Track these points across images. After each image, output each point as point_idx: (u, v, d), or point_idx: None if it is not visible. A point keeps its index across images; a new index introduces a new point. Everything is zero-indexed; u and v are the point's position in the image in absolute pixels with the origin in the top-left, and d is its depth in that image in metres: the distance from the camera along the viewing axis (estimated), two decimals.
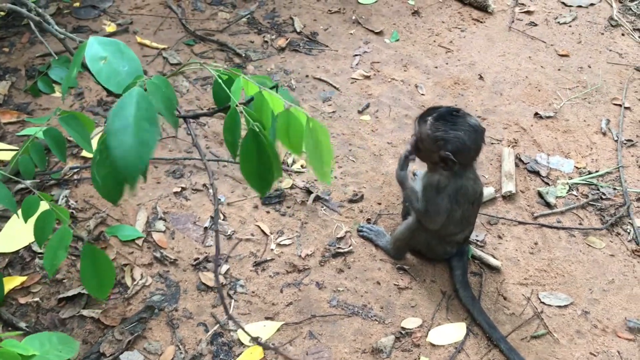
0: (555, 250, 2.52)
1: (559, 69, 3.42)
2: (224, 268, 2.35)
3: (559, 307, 2.33)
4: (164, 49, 3.32)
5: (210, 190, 2.63)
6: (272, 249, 2.43)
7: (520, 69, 3.40)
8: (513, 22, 3.75)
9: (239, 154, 1.16)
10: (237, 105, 1.14)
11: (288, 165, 2.76)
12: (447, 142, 2.06)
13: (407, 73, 3.31)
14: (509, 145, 2.93)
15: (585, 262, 2.49)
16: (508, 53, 3.51)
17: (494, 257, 2.46)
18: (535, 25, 3.75)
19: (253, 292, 2.29)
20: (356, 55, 3.41)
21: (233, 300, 2.26)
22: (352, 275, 2.37)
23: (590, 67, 3.46)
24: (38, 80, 2.92)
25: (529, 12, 3.85)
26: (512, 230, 2.58)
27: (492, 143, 2.94)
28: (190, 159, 2.74)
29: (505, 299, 2.34)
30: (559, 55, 3.53)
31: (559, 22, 3.78)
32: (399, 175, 2.30)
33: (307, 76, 3.24)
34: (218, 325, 2.18)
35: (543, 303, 2.34)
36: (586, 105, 3.21)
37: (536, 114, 3.12)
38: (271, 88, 1.21)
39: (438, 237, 2.30)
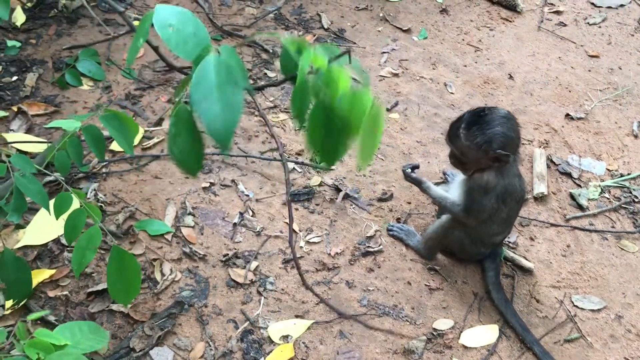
0: (588, 253, 2.48)
1: (589, 70, 3.38)
2: (253, 265, 2.33)
3: (592, 310, 2.29)
4: None
5: (239, 186, 2.61)
6: (301, 247, 2.41)
7: (550, 69, 3.36)
8: (542, 21, 3.71)
9: (305, 125, 1.14)
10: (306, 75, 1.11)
11: (316, 163, 2.74)
12: (492, 142, 2.02)
13: (435, 71, 3.28)
14: (540, 146, 2.89)
15: (618, 266, 2.45)
16: (538, 53, 3.47)
17: (526, 259, 2.42)
18: (565, 25, 3.70)
19: (283, 289, 2.27)
20: (384, 52, 3.38)
21: (263, 298, 2.24)
22: (383, 274, 2.34)
23: (620, 68, 3.41)
24: (66, 73, 2.92)
25: (558, 12, 3.80)
26: (544, 232, 2.55)
27: (523, 144, 2.90)
28: (219, 154, 2.72)
29: (537, 301, 2.31)
30: (589, 56, 3.49)
31: (588, 23, 3.73)
32: (409, 178, 2.33)
33: None
34: (248, 322, 2.15)
35: (576, 306, 2.30)
36: (617, 107, 3.16)
37: (567, 115, 3.08)
38: (339, 56, 1.18)
39: (473, 237, 2.27)
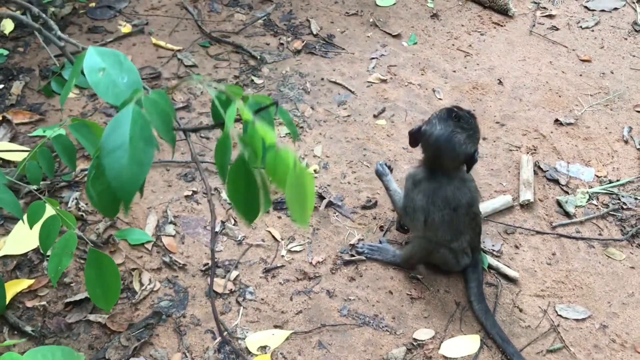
0: (574, 261, 2.46)
1: (580, 75, 3.35)
2: (233, 274, 2.32)
3: (577, 320, 2.27)
4: (179, 50, 3.30)
5: (222, 194, 2.59)
6: (282, 255, 2.39)
7: (541, 74, 3.33)
8: (534, 26, 3.68)
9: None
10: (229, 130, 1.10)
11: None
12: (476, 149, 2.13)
13: (424, 77, 3.26)
14: (527, 153, 2.87)
15: (604, 274, 2.42)
16: (528, 58, 3.44)
17: (511, 268, 2.40)
18: (557, 29, 3.67)
19: (262, 299, 2.25)
20: (373, 58, 3.36)
21: (242, 308, 2.22)
22: (364, 283, 2.32)
23: (612, 72, 3.38)
24: (52, 81, 2.91)
25: (550, 16, 3.77)
26: (529, 240, 2.52)
27: (511, 150, 2.88)
28: (203, 162, 2.70)
29: (521, 311, 2.28)
30: (581, 60, 3.45)
31: (581, 27, 3.70)
32: (377, 171, 2.41)
33: (322, 79, 3.20)
34: (226, 332, 2.14)
35: (560, 316, 2.27)
36: (608, 112, 3.13)
37: (556, 120, 3.05)
38: (266, 107, 1.18)
39: (450, 250, 2.25)
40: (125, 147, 1.06)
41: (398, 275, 2.35)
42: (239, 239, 2.43)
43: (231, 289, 2.27)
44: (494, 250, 2.46)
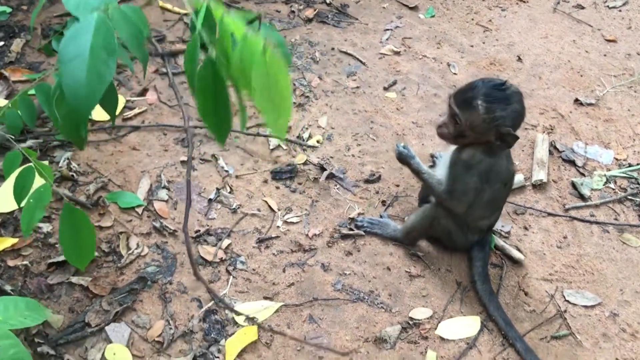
0: (586, 245, 2.33)
1: (604, 55, 3.21)
2: (225, 242, 2.23)
3: (585, 307, 2.15)
4: (185, 14, 3.20)
5: (219, 161, 2.50)
6: (278, 226, 2.30)
7: (563, 53, 3.19)
8: (558, 3, 3.54)
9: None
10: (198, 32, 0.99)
11: (303, 140, 2.62)
12: (507, 119, 1.89)
13: (440, 51, 3.14)
14: (544, 132, 2.74)
15: (618, 261, 2.29)
16: (551, 35, 3.30)
17: (518, 249, 2.28)
18: (583, 8, 3.53)
19: (254, 269, 2.16)
20: (387, 29, 3.25)
21: (231, 277, 2.13)
22: (361, 259, 2.22)
23: (639, 54, 3.23)
24: (53, 39, 2.83)
25: None
26: (540, 221, 2.40)
27: (526, 129, 2.75)
28: (201, 127, 2.62)
29: (526, 294, 2.17)
30: (606, 40, 3.31)
31: (608, 6, 3.55)
32: (401, 154, 2.15)
33: (332, 49, 3.09)
34: (213, 302, 2.05)
35: (568, 301, 2.16)
36: (631, 94, 2.99)
37: (576, 100, 2.92)
38: (251, 21, 1.06)
39: (460, 224, 2.13)
40: (84, 56, 0.96)
41: (397, 252, 2.25)
42: (234, 207, 2.34)
43: (222, 258, 2.18)
44: (502, 231, 2.34)
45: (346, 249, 2.24)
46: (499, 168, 2.01)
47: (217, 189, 2.39)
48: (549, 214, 2.43)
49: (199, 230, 2.24)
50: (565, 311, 2.12)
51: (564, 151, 2.66)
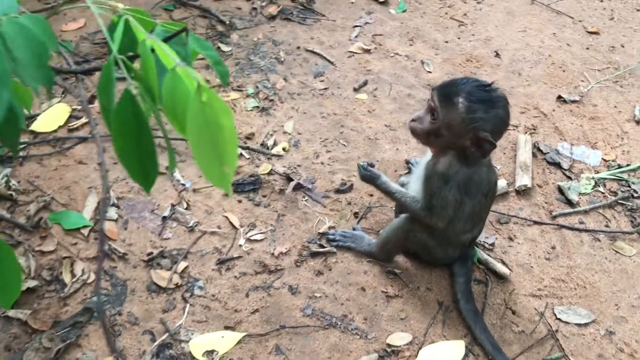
0: (576, 256, 2.16)
1: (587, 48, 3.05)
2: (181, 266, 2.02)
3: (579, 325, 1.98)
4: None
5: (175, 174, 2.30)
6: (240, 245, 2.10)
7: (543, 47, 3.04)
8: None
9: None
10: (116, 57, 0.79)
11: (268, 148, 2.42)
12: (487, 123, 1.71)
13: (412, 48, 2.96)
14: (526, 132, 2.57)
15: (611, 272, 2.13)
16: (529, 29, 3.14)
17: (503, 263, 2.11)
18: None
19: (213, 295, 1.96)
20: (356, 26, 3.07)
21: (188, 305, 1.93)
22: (333, 278, 2.03)
23: (623, 46, 3.09)
24: None
25: None
26: (525, 231, 2.23)
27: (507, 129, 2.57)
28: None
29: (514, 313, 1.99)
30: (588, 32, 3.17)
31: None
32: (364, 177, 1.98)
33: (298, 48, 2.90)
34: (167, 334, 1.84)
35: (559, 320, 1.98)
36: (617, 89, 2.84)
37: (559, 97, 2.76)
38: (175, 35, 0.87)
39: (440, 238, 1.95)
40: None
41: (373, 270, 2.06)
42: (191, 225, 2.14)
43: (177, 283, 1.97)
44: (486, 243, 2.17)
45: (316, 268, 2.05)
46: (479, 178, 1.83)
47: (172, 205, 2.19)
48: (535, 222, 2.26)
49: (152, 253, 2.04)
50: (557, 331, 1.95)
51: (548, 153, 2.49)
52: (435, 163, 1.83)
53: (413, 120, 1.86)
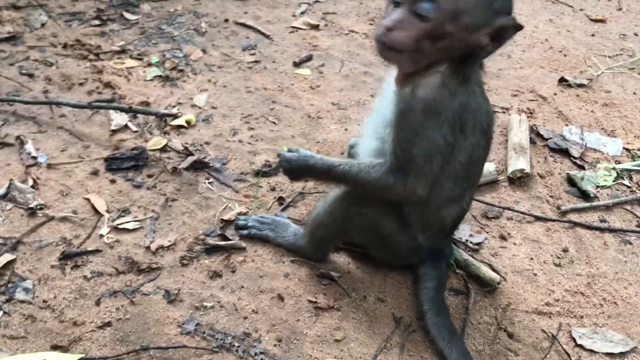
0: (600, 262, 1.54)
1: (592, 35, 2.61)
2: (4, 258, 1.36)
3: (611, 355, 1.32)
4: None
5: (26, 146, 1.67)
6: (102, 235, 1.46)
7: (537, 32, 2.63)
8: None
9: None
10: None
11: (164, 121, 1.81)
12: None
13: (373, 26, 2.43)
14: (520, 113, 2.00)
15: None
16: (520, 14, 2.63)
17: (492, 268, 1.47)
18: None
19: (45, 301, 1.31)
20: (303, 3, 2.57)
21: (1, 312, 1.26)
22: (236, 283, 1.38)
23: (637, 35, 2.62)
24: None
25: None
26: (524, 228, 1.62)
27: (495, 111, 2.00)
28: (10, 102, 1.80)
29: (511, 336, 1.35)
30: (592, 20, 2.74)
31: None
32: (289, 161, 1.34)
33: (226, 20, 2.43)
34: None
35: (580, 347, 1.35)
36: (635, 77, 2.37)
37: (562, 79, 2.22)
38: None
39: (404, 217, 1.30)
40: None
41: (298, 272, 1.42)
42: (32, 206, 1.49)
43: None
44: (470, 242, 1.54)
45: (212, 268, 1.41)
46: (476, 105, 1.21)
47: (10, 182, 1.54)
48: (538, 218, 1.65)
49: None
50: None
51: (551, 138, 1.92)
52: (414, 89, 1.19)
53: (389, 28, 1.21)
